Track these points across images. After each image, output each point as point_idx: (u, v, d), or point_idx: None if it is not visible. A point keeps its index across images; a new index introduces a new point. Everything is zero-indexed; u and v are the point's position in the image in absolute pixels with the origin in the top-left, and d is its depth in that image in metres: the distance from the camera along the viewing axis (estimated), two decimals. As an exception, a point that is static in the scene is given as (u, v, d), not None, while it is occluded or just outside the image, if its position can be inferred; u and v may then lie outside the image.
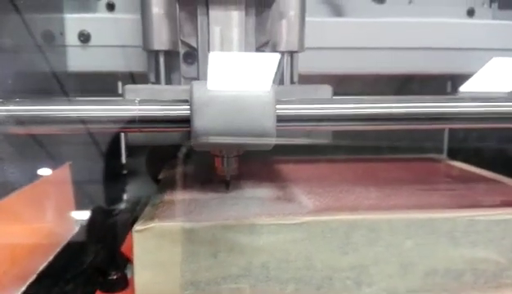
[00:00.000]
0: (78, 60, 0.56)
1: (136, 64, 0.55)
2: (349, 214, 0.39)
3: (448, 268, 0.40)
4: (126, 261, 0.46)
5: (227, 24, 0.42)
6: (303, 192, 0.46)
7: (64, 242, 0.51)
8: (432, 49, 0.64)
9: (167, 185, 0.51)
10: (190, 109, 0.33)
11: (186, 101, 0.34)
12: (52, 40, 0.54)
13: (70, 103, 0.35)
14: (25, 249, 0.44)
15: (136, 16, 0.54)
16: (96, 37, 0.56)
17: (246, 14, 0.43)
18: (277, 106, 0.35)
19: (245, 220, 0.38)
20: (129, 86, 0.38)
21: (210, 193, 0.46)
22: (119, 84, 0.63)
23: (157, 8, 0.45)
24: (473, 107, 0.41)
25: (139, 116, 0.33)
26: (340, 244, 0.38)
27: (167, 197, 0.46)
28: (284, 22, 0.47)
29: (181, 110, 0.33)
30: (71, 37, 0.56)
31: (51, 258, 0.47)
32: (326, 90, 0.41)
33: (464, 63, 0.65)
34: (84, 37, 0.56)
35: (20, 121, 0.35)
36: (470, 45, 0.65)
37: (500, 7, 0.77)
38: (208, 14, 0.42)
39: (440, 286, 0.40)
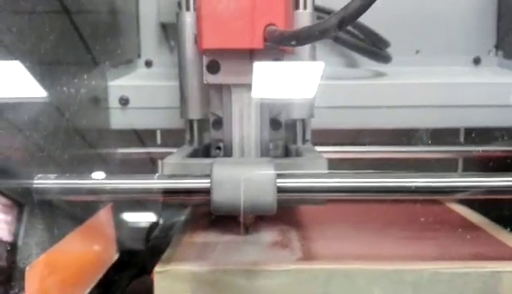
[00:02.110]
0: (119, 120, 0.66)
1: (168, 122, 0.66)
2: (328, 263, 0.47)
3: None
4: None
5: (246, 103, 0.52)
6: (298, 238, 0.54)
7: (106, 267, 0.62)
8: (436, 106, 0.69)
9: (189, 226, 0.60)
10: (210, 185, 0.43)
11: (208, 176, 0.45)
12: (98, 103, 0.64)
13: (102, 178, 0.46)
14: (83, 268, 0.57)
15: (167, 84, 0.66)
16: (134, 101, 0.66)
17: (262, 93, 0.53)
18: (278, 180, 0.43)
19: (244, 266, 0.47)
20: (166, 161, 0.49)
21: (227, 236, 0.55)
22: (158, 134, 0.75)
23: (193, 87, 0.55)
24: (458, 182, 0.47)
25: (171, 188, 0.45)
26: (321, 290, 0.45)
27: (187, 239, 0.55)
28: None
29: (203, 184, 0.43)
30: (113, 101, 0.66)
31: (97, 278, 0.59)
32: (322, 163, 0.48)
33: (469, 118, 0.69)
34: (124, 101, 0.66)
35: (60, 192, 0.46)
36: (474, 102, 0.68)
37: (506, 56, 0.82)
38: (230, 95, 0.53)
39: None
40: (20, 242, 0.42)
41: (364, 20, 0.53)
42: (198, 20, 0.49)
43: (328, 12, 0.66)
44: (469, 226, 0.61)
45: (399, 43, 0.77)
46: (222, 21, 0.46)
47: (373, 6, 0.49)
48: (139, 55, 0.81)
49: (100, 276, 0.60)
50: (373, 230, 0.57)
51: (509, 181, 0.46)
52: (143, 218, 0.79)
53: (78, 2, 0.59)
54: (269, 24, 0.44)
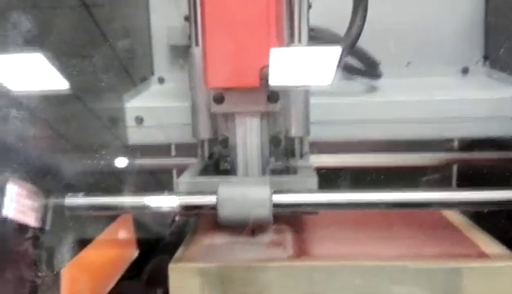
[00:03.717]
0: (135, 136, 0.74)
1: (180, 137, 0.73)
2: (314, 260, 0.56)
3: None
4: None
5: (248, 127, 0.60)
6: (292, 238, 0.62)
7: (128, 263, 0.71)
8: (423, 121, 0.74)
9: (198, 228, 0.68)
10: (217, 203, 0.51)
11: (215, 193, 0.53)
12: (117, 123, 0.72)
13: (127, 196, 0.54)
14: (108, 267, 0.66)
15: (178, 105, 0.73)
16: (148, 121, 0.74)
17: (261, 118, 0.60)
18: (274, 196, 0.51)
19: (243, 263, 0.56)
20: (180, 180, 0.57)
21: (232, 237, 0.63)
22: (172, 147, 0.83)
23: (203, 112, 0.63)
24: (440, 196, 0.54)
25: (185, 204, 0.53)
26: (307, 283, 0.54)
27: (197, 240, 0.63)
28: (293, 115, 0.63)
29: (211, 201, 0.51)
30: (130, 121, 0.74)
31: (120, 273, 0.68)
32: (313, 182, 0.56)
33: (457, 130, 0.75)
34: (139, 121, 0.74)
35: (88, 208, 0.54)
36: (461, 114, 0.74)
37: (493, 66, 0.86)
38: (234, 120, 0.60)
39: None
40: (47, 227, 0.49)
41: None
42: (204, 61, 0.56)
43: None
44: (447, 227, 0.67)
45: (391, 56, 0.81)
46: (225, 64, 0.54)
47: (366, 21, 0.57)
48: (153, 73, 0.89)
49: (123, 271, 0.68)
50: (358, 232, 0.64)
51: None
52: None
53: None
54: (264, 67, 0.52)
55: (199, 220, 0.73)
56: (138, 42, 0.85)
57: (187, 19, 0.83)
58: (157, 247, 0.75)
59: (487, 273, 0.54)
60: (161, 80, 0.88)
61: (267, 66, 0.51)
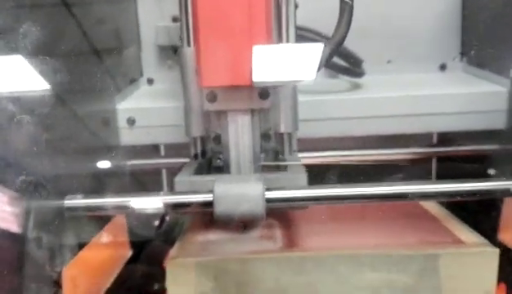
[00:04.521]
0: (128, 137, 0.76)
1: (171, 138, 0.75)
2: (302, 250, 0.61)
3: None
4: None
5: (240, 124, 0.62)
6: (281, 232, 0.67)
7: (123, 262, 0.73)
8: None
9: (193, 224, 0.71)
10: (213, 200, 0.53)
11: (211, 191, 0.55)
12: (109, 124, 0.74)
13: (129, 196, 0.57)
14: (105, 265, 0.68)
15: (169, 105, 0.75)
16: (140, 122, 0.75)
17: (252, 115, 0.63)
18: (266, 193, 0.54)
19: (236, 255, 0.60)
20: (177, 179, 0.59)
21: (225, 232, 0.66)
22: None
23: (195, 110, 0.65)
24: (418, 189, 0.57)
25: (182, 203, 0.56)
26: (296, 270, 0.59)
27: (192, 235, 0.67)
28: (282, 112, 0.66)
29: (207, 198, 0.54)
30: (122, 122, 0.75)
31: (117, 271, 0.71)
32: (303, 178, 0.59)
33: (438, 124, 0.78)
34: (131, 122, 0.75)
35: (87, 209, 0.56)
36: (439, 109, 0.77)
37: (470, 63, 0.91)
38: (227, 118, 0.63)
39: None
40: (29, 235, 0.49)
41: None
42: (197, 61, 0.59)
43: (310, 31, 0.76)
44: (426, 217, 0.72)
45: (372, 54, 0.85)
46: (218, 63, 0.56)
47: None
48: (141, 74, 0.90)
49: (118, 270, 0.71)
50: (343, 224, 0.68)
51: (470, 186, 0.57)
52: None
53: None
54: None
55: (192, 219, 0.76)
56: (127, 42, 0.87)
57: (175, 20, 0.86)
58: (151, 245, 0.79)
59: (461, 258, 0.59)
60: (150, 81, 0.90)
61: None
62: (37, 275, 0.49)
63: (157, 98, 0.82)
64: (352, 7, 0.59)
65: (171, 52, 0.89)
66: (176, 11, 0.83)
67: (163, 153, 0.87)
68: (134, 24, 0.89)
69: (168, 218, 0.91)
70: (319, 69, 0.60)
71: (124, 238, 0.76)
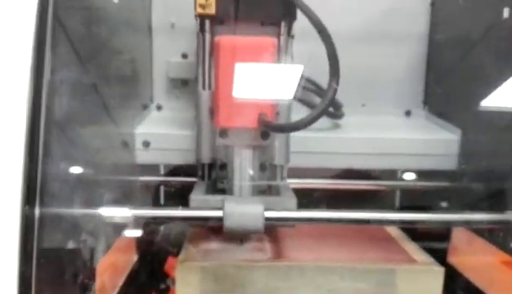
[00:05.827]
0: (143, 157, 0.89)
1: (182, 159, 0.89)
2: (287, 261, 0.76)
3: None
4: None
5: (243, 157, 0.77)
6: (270, 245, 0.81)
7: (131, 266, 0.86)
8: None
9: (197, 235, 0.85)
10: (223, 215, 0.67)
11: (220, 208, 0.69)
12: (127, 146, 0.87)
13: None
14: (118, 269, 0.80)
15: (179, 132, 0.90)
16: (154, 144, 0.89)
17: (254, 150, 0.78)
18: (265, 212, 0.68)
19: (233, 262, 0.74)
20: (192, 197, 0.73)
21: (224, 243, 0.81)
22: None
23: (206, 142, 0.80)
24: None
25: (199, 216, 0.70)
26: (282, 277, 0.74)
27: (196, 244, 0.81)
28: (276, 148, 0.81)
29: (218, 214, 0.68)
30: (138, 144, 0.89)
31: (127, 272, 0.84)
32: (293, 202, 0.73)
33: (400, 163, 0.94)
34: (146, 144, 0.89)
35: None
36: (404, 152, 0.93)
37: (431, 111, 1.05)
38: (233, 151, 0.77)
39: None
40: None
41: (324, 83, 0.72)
42: (215, 105, 0.73)
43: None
44: (388, 239, 0.88)
45: (350, 99, 0.98)
46: (233, 108, 0.72)
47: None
48: (152, 101, 1.04)
49: (127, 273, 0.83)
50: (321, 241, 0.83)
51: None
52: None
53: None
54: (261, 113, 0.70)
55: (193, 230, 0.89)
56: (143, 73, 1.00)
57: (185, 56, 1.01)
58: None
59: (413, 274, 0.76)
60: (159, 107, 1.04)
61: (263, 113, 0.69)
62: (83, 269, 0.62)
63: (167, 124, 0.96)
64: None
65: (179, 84, 1.03)
66: (185, 49, 1.00)
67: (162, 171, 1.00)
68: (148, 57, 1.02)
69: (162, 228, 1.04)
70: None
71: (132, 244, 0.89)
